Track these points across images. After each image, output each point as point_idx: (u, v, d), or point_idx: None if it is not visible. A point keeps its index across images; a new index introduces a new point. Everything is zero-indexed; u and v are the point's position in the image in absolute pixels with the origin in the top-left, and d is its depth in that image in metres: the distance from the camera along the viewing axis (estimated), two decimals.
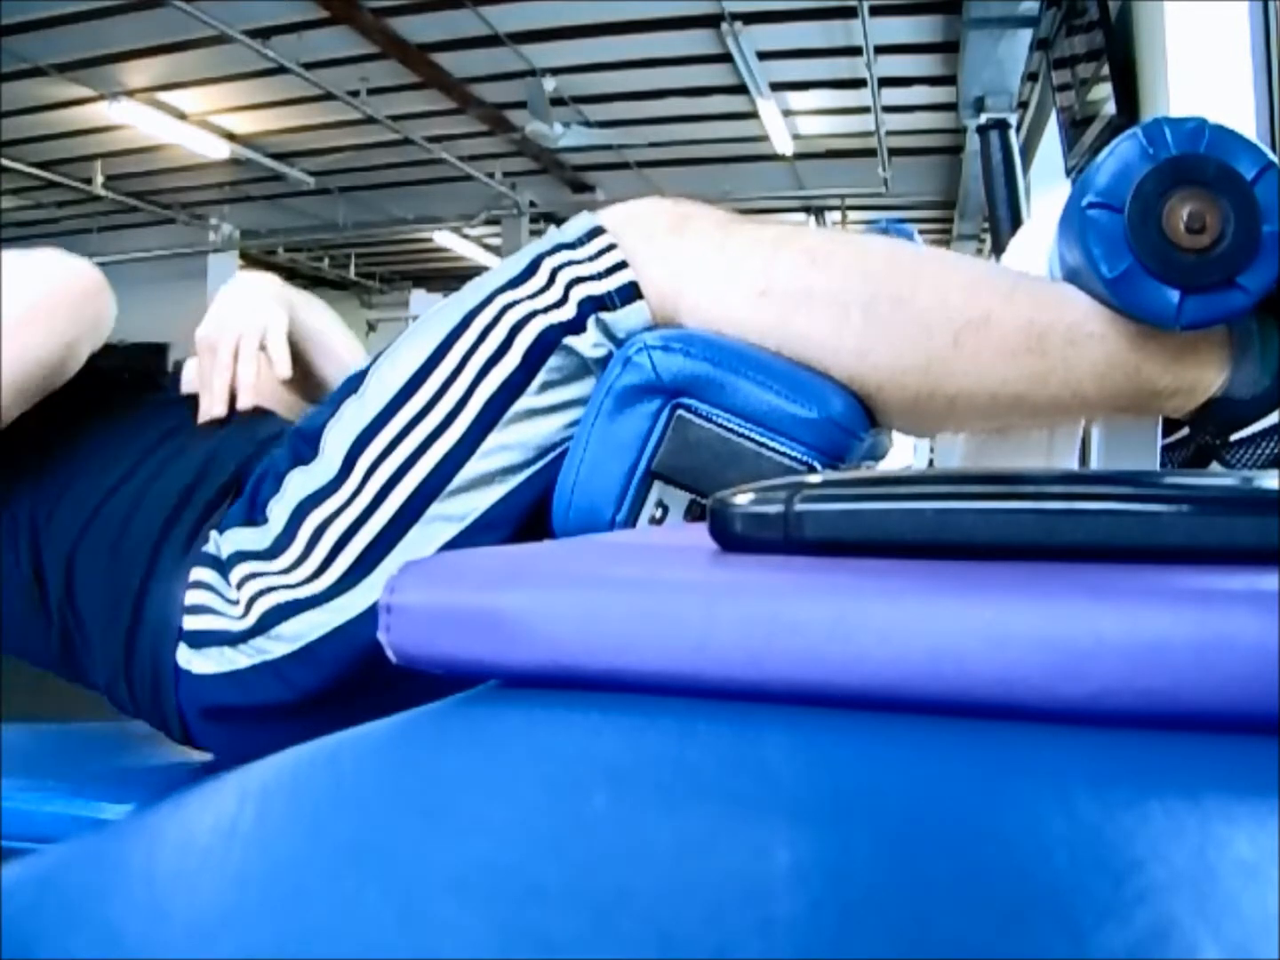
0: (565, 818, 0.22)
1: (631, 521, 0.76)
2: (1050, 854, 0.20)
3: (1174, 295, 0.73)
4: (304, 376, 1.05)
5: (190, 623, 0.82)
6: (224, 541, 0.83)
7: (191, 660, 0.82)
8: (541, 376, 0.78)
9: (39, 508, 0.89)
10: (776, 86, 6.05)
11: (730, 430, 0.75)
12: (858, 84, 5.95)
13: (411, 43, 5.66)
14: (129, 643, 0.85)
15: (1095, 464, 0.92)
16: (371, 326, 10.78)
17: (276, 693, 0.80)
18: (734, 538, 0.38)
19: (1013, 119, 3.34)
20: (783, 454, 0.75)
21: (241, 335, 0.98)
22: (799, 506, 0.36)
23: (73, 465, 0.91)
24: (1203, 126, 0.73)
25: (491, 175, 7.66)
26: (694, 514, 0.76)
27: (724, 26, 5.33)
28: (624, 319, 0.78)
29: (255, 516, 0.82)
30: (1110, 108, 2.32)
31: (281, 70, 5.69)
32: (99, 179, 7.54)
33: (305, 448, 0.82)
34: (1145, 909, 0.17)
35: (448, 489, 0.78)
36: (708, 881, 0.19)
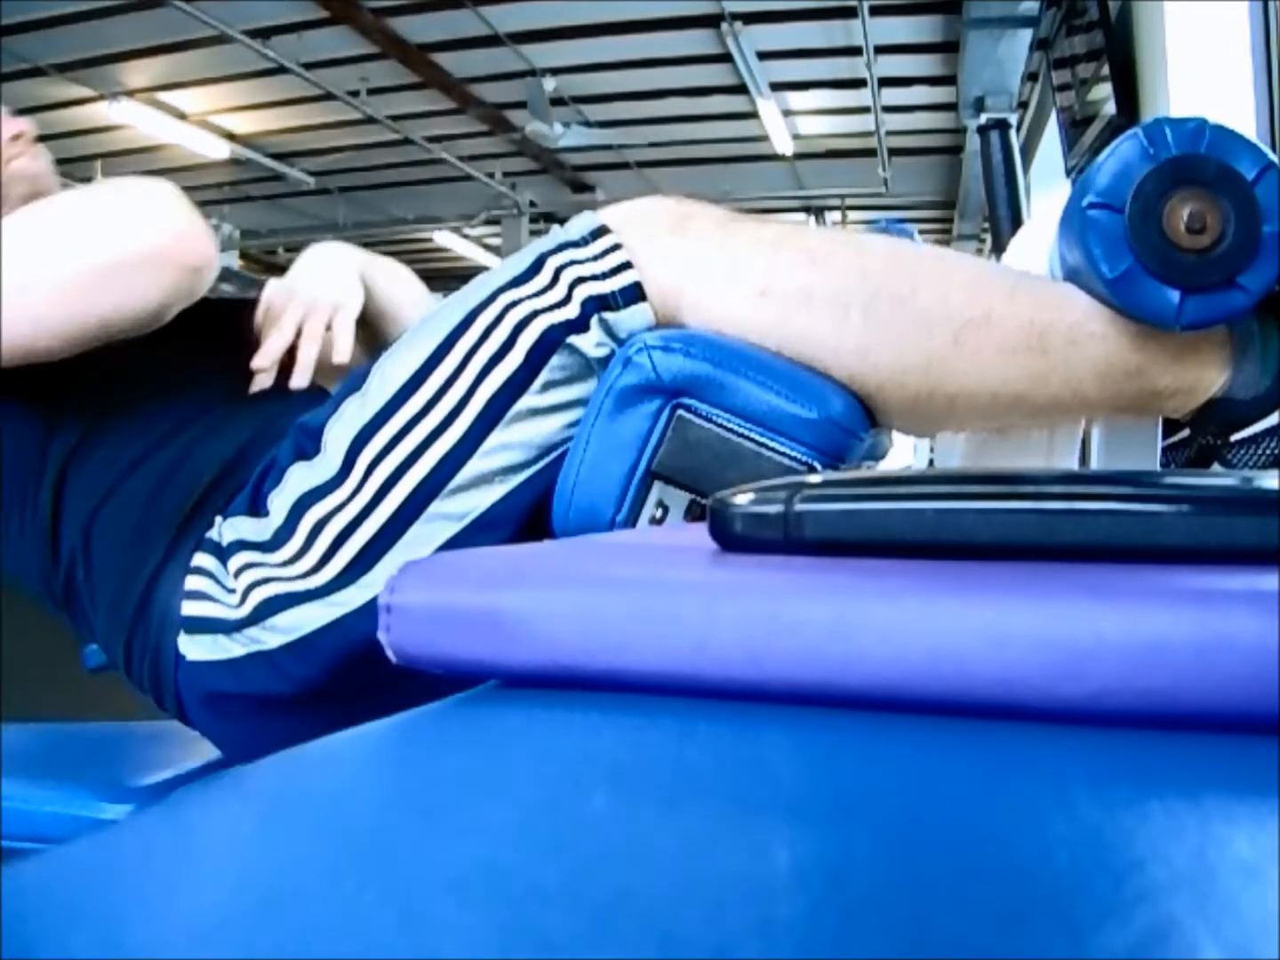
0: (565, 818, 0.22)
1: (632, 521, 0.76)
2: (1050, 854, 0.20)
3: (1174, 295, 0.73)
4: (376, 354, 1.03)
5: (188, 608, 0.83)
6: (226, 529, 0.83)
7: (188, 646, 0.82)
8: (544, 376, 0.78)
9: (77, 450, 0.89)
10: (776, 86, 6.05)
11: (730, 430, 0.75)
12: (858, 84, 5.95)
13: (411, 43, 5.66)
14: (136, 617, 0.86)
15: (1095, 464, 0.92)
16: None
17: (272, 684, 0.80)
18: (734, 538, 0.38)
19: (1013, 119, 3.34)
20: (783, 454, 0.75)
21: (310, 310, 0.97)
22: (799, 506, 0.36)
23: (117, 415, 0.90)
24: (1203, 127, 0.73)
25: (491, 175, 7.67)
26: (694, 514, 0.76)
27: (724, 26, 5.33)
28: (627, 319, 0.78)
29: (257, 508, 0.83)
30: (1110, 108, 2.32)
31: (281, 70, 5.70)
32: (99, 179, 7.54)
33: (308, 442, 0.82)
34: (1145, 909, 0.17)
35: (448, 487, 0.78)
36: (708, 881, 0.19)
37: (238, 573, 0.82)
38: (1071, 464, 0.90)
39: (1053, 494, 0.35)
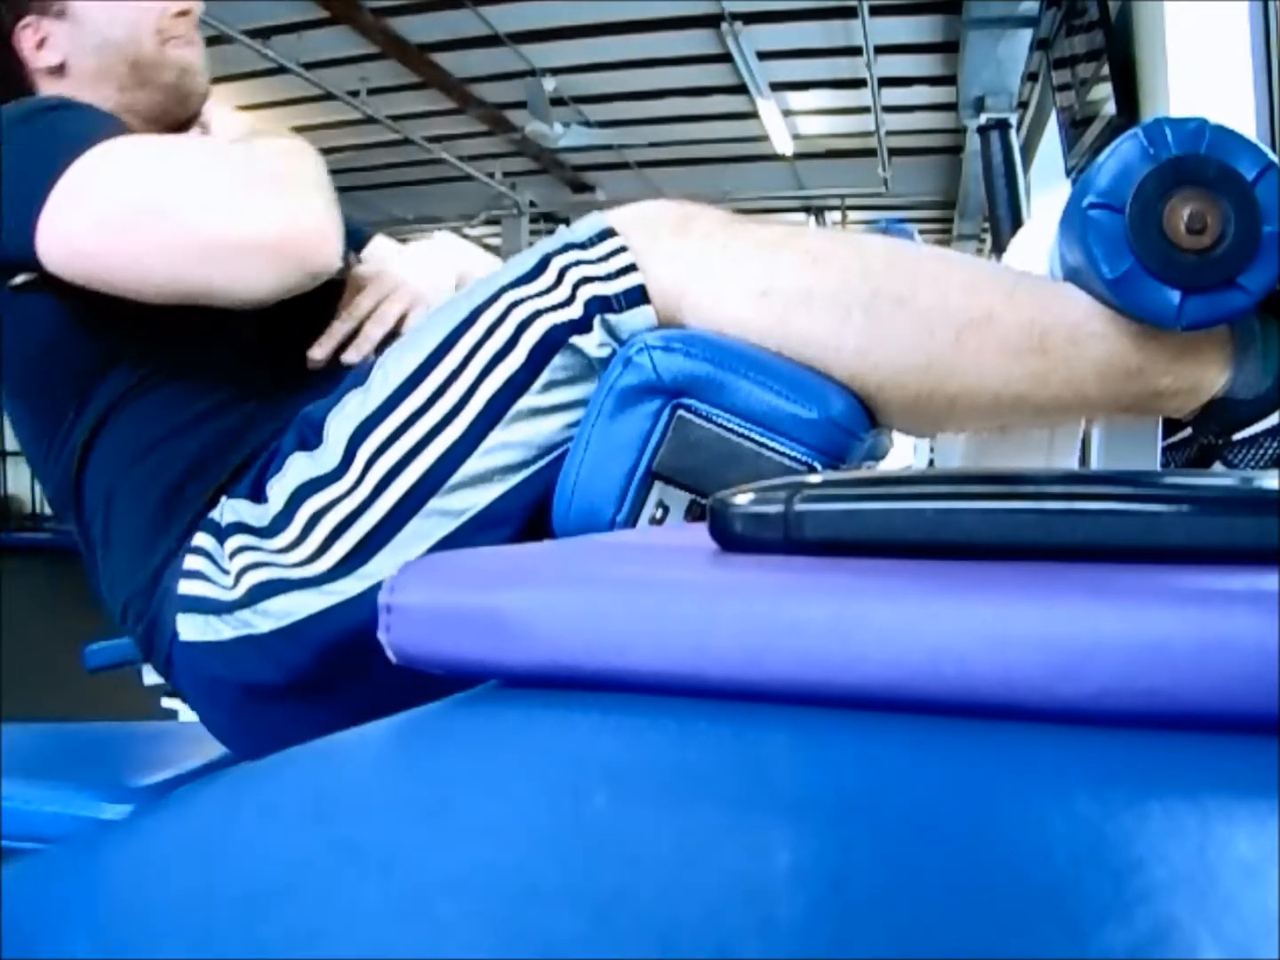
0: (565, 818, 0.22)
1: (632, 521, 0.76)
2: (1050, 854, 0.20)
3: (1175, 296, 0.73)
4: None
5: (185, 586, 0.83)
6: (227, 510, 0.84)
7: (183, 625, 0.83)
8: (546, 375, 0.78)
9: (124, 397, 0.89)
10: (776, 86, 6.05)
11: (730, 430, 0.75)
12: (858, 84, 5.95)
13: (411, 43, 5.66)
14: (148, 586, 0.86)
15: (1095, 464, 0.92)
16: None
17: (262, 672, 0.81)
18: (734, 538, 0.38)
19: (1013, 119, 3.34)
20: (783, 454, 0.75)
21: (390, 294, 0.96)
22: (799, 506, 0.36)
23: (174, 374, 0.89)
24: (1203, 127, 0.73)
25: (491, 175, 7.66)
26: (694, 514, 0.76)
27: (724, 26, 5.32)
28: (630, 321, 0.78)
29: (258, 493, 0.83)
30: (1110, 108, 2.32)
31: (281, 70, 5.69)
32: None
33: (310, 433, 0.83)
34: (1145, 909, 0.17)
35: (447, 484, 0.78)
36: (708, 881, 0.19)
37: (233, 554, 0.82)
38: (1072, 464, 0.90)
39: (1053, 494, 0.35)
